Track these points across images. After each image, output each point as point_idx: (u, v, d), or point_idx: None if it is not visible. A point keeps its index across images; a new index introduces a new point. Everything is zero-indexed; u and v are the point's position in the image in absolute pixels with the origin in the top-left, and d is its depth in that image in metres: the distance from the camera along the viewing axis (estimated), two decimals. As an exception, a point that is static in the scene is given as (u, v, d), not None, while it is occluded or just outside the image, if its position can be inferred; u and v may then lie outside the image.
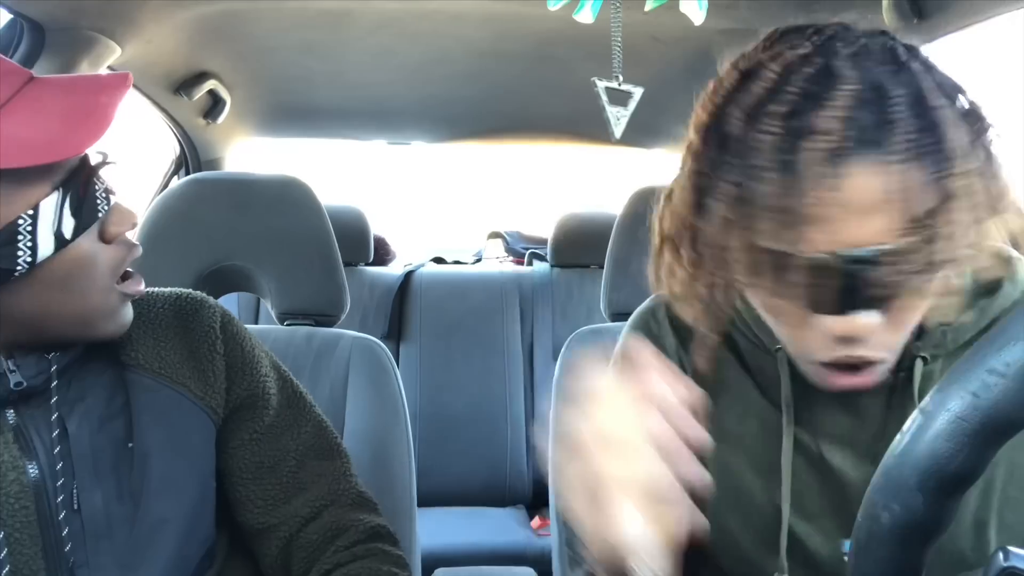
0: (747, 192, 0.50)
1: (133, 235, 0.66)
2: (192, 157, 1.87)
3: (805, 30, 0.55)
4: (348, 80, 1.64)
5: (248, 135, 1.97)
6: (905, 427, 0.37)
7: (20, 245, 0.56)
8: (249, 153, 2.07)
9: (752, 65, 0.54)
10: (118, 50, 1.19)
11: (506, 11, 1.26)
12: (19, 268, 0.56)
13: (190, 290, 0.77)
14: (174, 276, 1.04)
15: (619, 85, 0.81)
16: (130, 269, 0.66)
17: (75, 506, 0.62)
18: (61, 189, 0.58)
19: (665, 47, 1.42)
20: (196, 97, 1.53)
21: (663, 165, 2.30)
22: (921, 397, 0.63)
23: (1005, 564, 0.34)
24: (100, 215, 0.61)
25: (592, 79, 0.81)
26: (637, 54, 1.46)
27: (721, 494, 0.66)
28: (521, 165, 3.24)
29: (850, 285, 0.49)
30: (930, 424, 0.36)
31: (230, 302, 1.99)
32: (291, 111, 1.87)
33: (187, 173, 1.86)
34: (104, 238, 0.62)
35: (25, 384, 0.62)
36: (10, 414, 0.62)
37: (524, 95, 1.78)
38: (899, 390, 0.62)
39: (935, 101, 0.50)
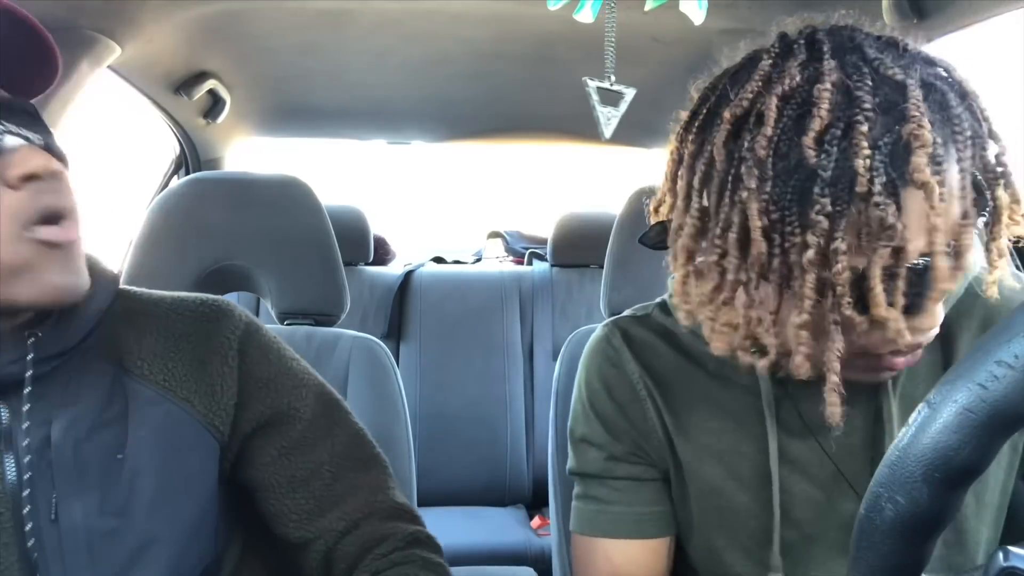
0: (851, 218, 0.48)
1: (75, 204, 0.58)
2: (192, 157, 1.87)
3: (814, 43, 0.54)
4: (348, 80, 1.64)
5: (248, 135, 1.97)
6: (911, 419, 0.37)
7: None
8: (249, 153, 2.07)
9: (792, 91, 0.51)
10: (118, 50, 1.19)
11: (506, 11, 1.26)
12: None
13: (217, 297, 0.73)
14: (174, 276, 1.04)
15: (611, 85, 0.82)
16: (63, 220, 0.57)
17: (52, 516, 0.57)
18: None
19: (665, 47, 1.42)
20: (196, 97, 1.52)
21: (663, 165, 2.29)
22: (897, 388, 0.64)
23: (1005, 564, 0.34)
24: None
25: (584, 78, 0.81)
26: (636, 54, 1.46)
27: (707, 515, 0.68)
28: (521, 165, 3.23)
29: (931, 281, 0.50)
30: (936, 416, 0.36)
31: (230, 302, 1.98)
32: (291, 111, 1.87)
33: (187, 173, 1.85)
34: (6, 181, 0.54)
35: None
36: (2, 411, 0.58)
37: (524, 95, 1.78)
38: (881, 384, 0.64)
39: (972, 89, 0.53)
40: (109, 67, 1.21)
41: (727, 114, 0.54)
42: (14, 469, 0.57)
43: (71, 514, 0.58)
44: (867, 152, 0.47)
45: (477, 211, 3.03)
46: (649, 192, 0.72)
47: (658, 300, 0.77)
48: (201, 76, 1.51)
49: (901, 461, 0.37)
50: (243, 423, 0.69)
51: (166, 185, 1.87)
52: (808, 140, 0.49)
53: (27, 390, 0.57)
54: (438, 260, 2.39)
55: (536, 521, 1.84)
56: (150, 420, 0.63)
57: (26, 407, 0.57)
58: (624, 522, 0.70)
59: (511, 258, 2.67)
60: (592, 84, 0.81)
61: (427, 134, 2.16)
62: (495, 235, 2.81)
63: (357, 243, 2.01)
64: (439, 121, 2.02)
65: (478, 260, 2.60)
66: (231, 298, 1.06)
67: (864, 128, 0.48)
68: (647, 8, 0.76)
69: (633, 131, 2.07)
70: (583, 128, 2.01)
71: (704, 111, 0.59)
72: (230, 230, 1.08)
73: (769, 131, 0.50)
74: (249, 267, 1.08)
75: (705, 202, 0.56)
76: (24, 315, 0.58)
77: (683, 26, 0.84)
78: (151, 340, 0.66)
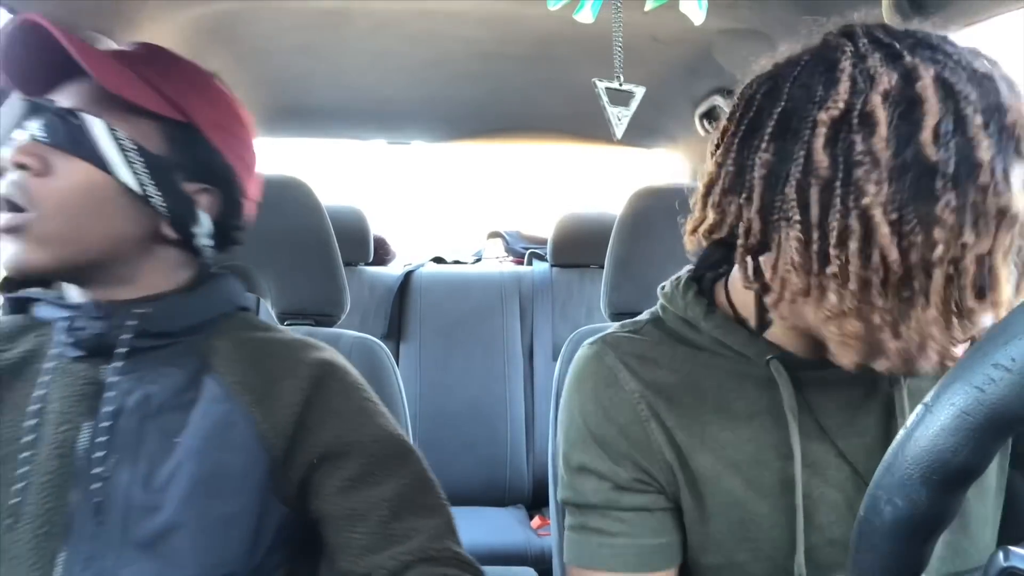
0: (975, 209, 0.49)
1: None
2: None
3: (879, 42, 0.57)
4: (348, 80, 1.64)
5: (248, 135, 1.97)
6: (909, 422, 0.37)
7: None
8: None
9: (892, 90, 0.51)
10: (118, 50, 1.19)
11: (506, 11, 1.26)
12: None
13: (308, 339, 0.77)
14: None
15: (620, 85, 0.81)
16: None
17: (104, 475, 0.63)
18: None
19: (665, 47, 1.42)
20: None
21: (663, 165, 2.30)
22: (906, 384, 0.64)
23: (1005, 564, 0.34)
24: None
25: (592, 80, 0.81)
26: (637, 54, 1.46)
27: (729, 529, 0.64)
28: (521, 165, 3.23)
29: None
30: (934, 419, 0.36)
31: (230, 302, 1.98)
32: (291, 111, 1.87)
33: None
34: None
35: (105, 332, 0.66)
36: (105, 369, 0.66)
37: (524, 95, 1.78)
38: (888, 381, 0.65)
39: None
40: (109, 67, 1.21)
41: (824, 116, 0.52)
42: (90, 428, 0.64)
43: (118, 479, 0.63)
44: (987, 143, 0.48)
45: (477, 211, 3.03)
46: (649, 192, 0.72)
47: (648, 313, 0.74)
48: (201, 76, 1.51)
49: (899, 463, 0.37)
50: (308, 448, 0.70)
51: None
52: (926, 136, 0.49)
53: (123, 350, 0.66)
54: (438, 260, 2.39)
55: (536, 521, 1.84)
56: (210, 415, 0.67)
57: (117, 372, 0.66)
58: (630, 555, 0.66)
59: (511, 258, 2.67)
60: (601, 85, 0.81)
61: (427, 134, 2.16)
62: (495, 235, 2.81)
63: (357, 243, 2.01)
64: (439, 121, 2.02)
65: (478, 260, 2.60)
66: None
67: (978, 120, 0.49)
68: (647, 8, 0.76)
69: (633, 131, 2.07)
70: (583, 128, 2.02)
71: (746, 122, 0.58)
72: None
73: (884, 131, 0.50)
74: (249, 267, 1.08)
75: (808, 214, 0.53)
76: (131, 291, 0.70)
77: (683, 26, 0.84)
78: (242, 351, 0.72)
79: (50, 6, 1.07)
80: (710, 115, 1.78)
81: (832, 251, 0.52)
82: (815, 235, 0.52)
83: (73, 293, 0.70)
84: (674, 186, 1.33)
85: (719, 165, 0.60)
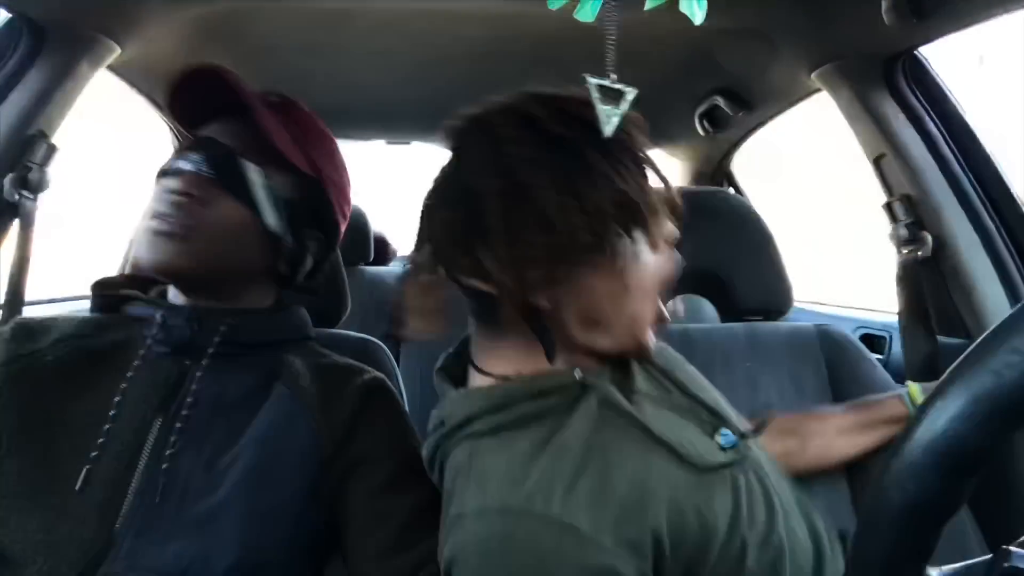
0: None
1: None
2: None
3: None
4: (348, 80, 1.64)
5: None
6: (923, 406, 0.37)
7: None
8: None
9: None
10: (118, 50, 1.19)
11: (506, 11, 1.26)
12: None
13: (361, 365, 0.87)
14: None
15: (611, 83, 0.81)
16: None
17: (171, 453, 0.69)
18: None
19: (665, 47, 1.42)
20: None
21: (662, 165, 2.30)
22: None
23: (1005, 564, 0.34)
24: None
25: (584, 76, 0.81)
26: (637, 54, 1.46)
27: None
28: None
29: None
30: (949, 404, 0.35)
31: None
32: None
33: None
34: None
35: (194, 333, 0.75)
36: (188, 364, 0.75)
37: (524, 95, 1.77)
38: None
39: None
40: (109, 67, 1.21)
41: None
42: (164, 415, 0.72)
43: (182, 461, 0.70)
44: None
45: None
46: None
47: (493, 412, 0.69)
48: (201, 76, 1.51)
49: (911, 448, 0.36)
50: (352, 453, 0.77)
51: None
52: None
53: (210, 351, 0.75)
54: (438, 260, 2.39)
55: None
56: (277, 410, 0.75)
57: (201, 370, 0.74)
58: None
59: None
60: (593, 82, 0.81)
61: (427, 134, 2.16)
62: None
63: (357, 243, 2.01)
64: (439, 121, 2.01)
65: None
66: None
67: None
68: (647, 8, 0.76)
69: (633, 131, 2.08)
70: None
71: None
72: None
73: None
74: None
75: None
76: (216, 298, 0.79)
77: (683, 26, 0.84)
78: (307, 367, 0.80)
79: (51, 6, 1.07)
80: (710, 115, 1.78)
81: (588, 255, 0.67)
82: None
83: (174, 296, 0.80)
84: None
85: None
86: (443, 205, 0.69)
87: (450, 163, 0.72)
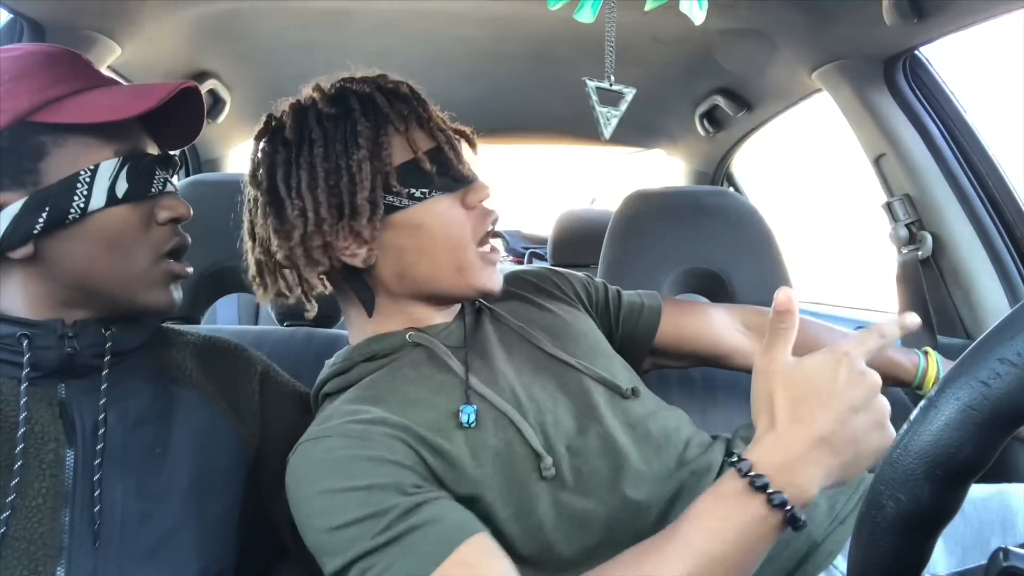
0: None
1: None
2: (192, 157, 1.87)
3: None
4: (348, 80, 1.64)
5: (248, 135, 1.97)
6: (912, 416, 0.37)
7: (77, 194, 0.65)
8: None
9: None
10: (118, 50, 1.19)
11: (506, 11, 1.26)
12: (72, 213, 0.65)
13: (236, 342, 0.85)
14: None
15: (610, 85, 0.82)
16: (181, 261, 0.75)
17: (95, 494, 0.64)
18: (122, 159, 0.68)
19: (665, 47, 1.42)
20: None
21: (663, 165, 2.30)
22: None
23: (1005, 564, 0.34)
24: (153, 191, 0.71)
25: (583, 78, 0.81)
26: (636, 54, 1.46)
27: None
28: (521, 165, 3.24)
29: None
30: (939, 413, 0.36)
31: (230, 303, 1.98)
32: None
33: (187, 173, 1.85)
34: (155, 219, 0.72)
35: (76, 351, 0.66)
36: (61, 388, 0.67)
37: (524, 95, 1.78)
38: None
39: None
40: (109, 67, 1.21)
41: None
42: (73, 453, 0.66)
43: (112, 494, 0.66)
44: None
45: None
46: (643, 195, 0.74)
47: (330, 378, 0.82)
48: (201, 76, 1.51)
49: (903, 458, 0.37)
50: (268, 444, 0.79)
51: (166, 185, 1.87)
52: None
53: (105, 372, 0.68)
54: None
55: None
56: (193, 420, 0.74)
57: (102, 400, 0.68)
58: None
59: (511, 258, 2.67)
60: (591, 84, 0.81)
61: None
62: (495, 235, 2.81)
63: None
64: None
65: (478, 260, 2.60)
66: (231, 299, 1.06)
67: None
68: (647, 8, 0.76)
69: (633, 131, 2.08)
70: (583, 128, 2.01)
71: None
72: (230, 232, 1.07)
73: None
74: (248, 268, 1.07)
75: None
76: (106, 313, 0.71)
77: (683, 26, 0.84)
78: (193, 360, 0.78)
79: (50, 6, 1.07)
80: (710, 115, 1.78)
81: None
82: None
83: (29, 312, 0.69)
84: (666, 189, 1.33)
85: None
86: (259, 206, 0.79)
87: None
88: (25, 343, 0.65)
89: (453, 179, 0.78)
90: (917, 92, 1.23)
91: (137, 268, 0.70)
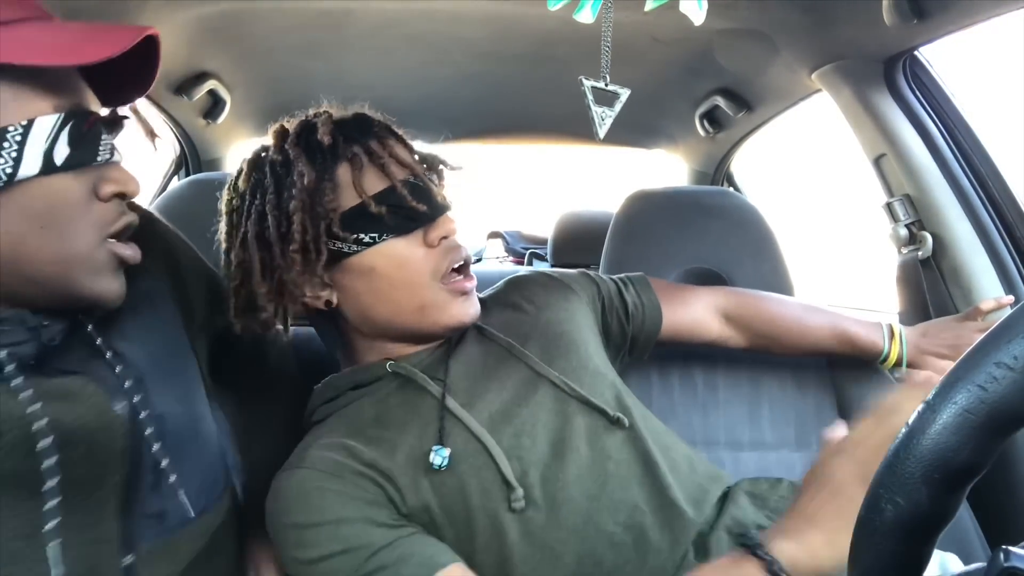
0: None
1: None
2: (192, 157, 1.87)
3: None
4: (348, 80, 1.64)
5: (248, 135, 1.97)
6: (910, 420, 0.37)
7: (3, 154, 0.52)
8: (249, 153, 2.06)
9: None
10: (118, 50, 1.19)
11: (506, 11, 1.26)
12: None
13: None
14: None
15: (606, 85, 0.82)
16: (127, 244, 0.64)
17: (158, 412, 0.65)
18: (63, 115, 0.55)
19: (665, 47, 1.42)
20: (196, 97, 1.52)
21: (663, 165, 2.30)
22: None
23: (1005, 564, 0.34)
24: (99, 160, 0.59)
25: (579, 78, 0.81)
26: (636, 54, 1.46)
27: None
28: (521, 165, 3.24)
29: None
30: (936, 417, 0.36)
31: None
32: (291, 111, 1.86)
33: (187, 174, 1.85)
34: (98, 193, 0.59)
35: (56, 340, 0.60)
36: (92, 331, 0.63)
37: (524, 95, 1.78)
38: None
39: None
40: (109, 67, 1.21)
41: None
42: (122, 385, 0.62)
43: (163, 406, 0.65)
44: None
45: (477, 211, 3.03)
46: (644, 195, 0.75)
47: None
48: (201, 76, 1.51)
49: (901, 462, 0.37)
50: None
51: (166, 186, 1.87)
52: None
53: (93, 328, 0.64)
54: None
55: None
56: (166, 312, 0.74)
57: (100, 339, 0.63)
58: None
59: (511, 258, 2.67)
60: (587, 84, 0.81)
61: (427, 134, 2.16)
62: (495, 235, 2.81)
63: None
64: (439, 121, 2.02)
65: (478, 260, 2.60)
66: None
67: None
68: (647, 8, 0.76)
69: (633, 131, 2.08)
70: (583, 128, 2.01)
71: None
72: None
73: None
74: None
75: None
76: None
77: (683, 26, 0.84)
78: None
79: (50, 6, 1.07)
80: (710, 115, 1.78)
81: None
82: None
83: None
84: (667, 189, 1.33)
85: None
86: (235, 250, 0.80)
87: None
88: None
89: (409, 219, 0.76)
90: (917, 92, 1.23)
91: (76, 250, 0.58)
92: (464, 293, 0.79)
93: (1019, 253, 1.16)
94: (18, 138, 0.53)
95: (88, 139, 0.58)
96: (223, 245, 0.81)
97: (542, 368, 0.80)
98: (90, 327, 0.63)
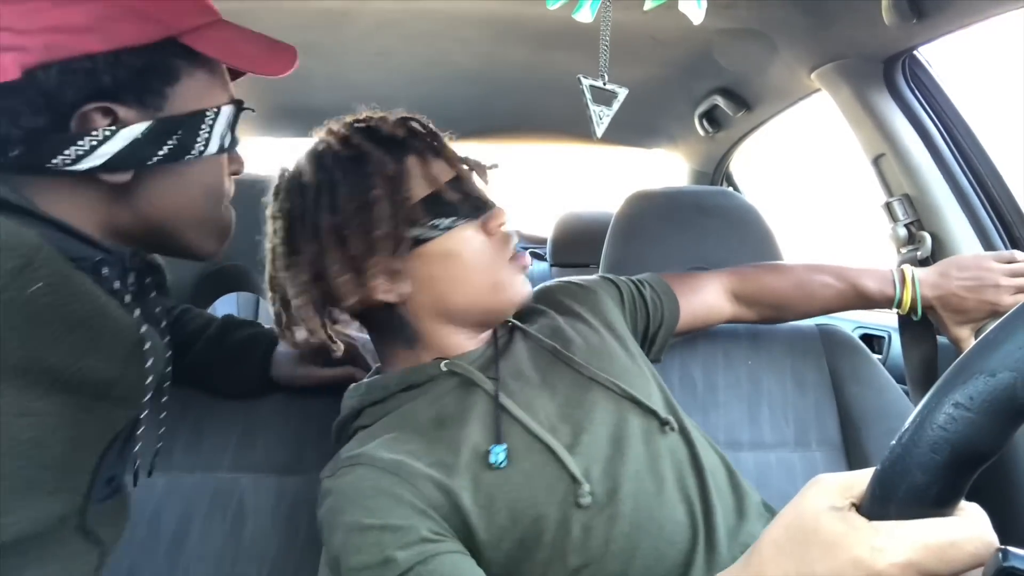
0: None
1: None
2: (192, 157, 1.86)
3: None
4: (348, 80, 1.64)
5: (248, 135, 1.97)
6: (883, 459, 0.39)
7: (200, 133, 0.62)
8: (249, 153, 2.07)
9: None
10: (118, 50, 1.19)
11: (505, 11, 1.26)
12: (192, 153, 0.62)
13: None
14: (174, 275, 1.04)
15: (604, 84, 0.82)
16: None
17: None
18: (233, 107, 0.66)
19: (664, 47, 1.42)
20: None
21: (663, 165, 2.30)
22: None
23: (1004, 564, 0.34)
24: (237, 143, 0.69)
25: (577, 76, 0.81)
26: (636, 54, 1.46)
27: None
28: (521, 165, 3.23)
29: None
30: (906, 455, 0.37)
31: (229, 301, 1.98)
32: (291, 111, 1.87)
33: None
34: (227, 170, 0.70)
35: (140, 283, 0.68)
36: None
37: (524, 95, 1.78)
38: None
39: None
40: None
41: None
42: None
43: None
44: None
45: (477, 211, 3.02)
46: (644, 195, 0.75)
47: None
48: (201, 76, 1.51)
49: (877, 499, 0.39)
50: None
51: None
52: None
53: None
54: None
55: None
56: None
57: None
58: None
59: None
60: (585, 82, 0.81)
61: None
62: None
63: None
64: (439, 121, 2.01)
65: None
66: (231, 298, 1.06)
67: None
68: (646, 8, 0.76)
69: (633, 131, 2.08)
70: (583, 128, 2.01)
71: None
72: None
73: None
74: (249, 267, 1.08)
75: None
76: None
77: (683, 26, 0.84)
78: None
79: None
80: (709, 115, 1.78)
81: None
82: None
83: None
84: (667, 189, 1.33)
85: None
86: (292, 240, 0.78)
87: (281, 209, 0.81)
88: (106, 270, 0.62)
89: (475, 206, 0.80)
90: (916, 92, 1.23)
91: (213, 216, 0.68)
92: (523, 268, 0.83)
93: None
94: (210, 122, 0.63)
95: (235, 127, 0.68)
96: (278, 249, 0.79)
97: (590, 371, 0.80)
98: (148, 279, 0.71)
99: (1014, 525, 1.00)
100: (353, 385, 0.84)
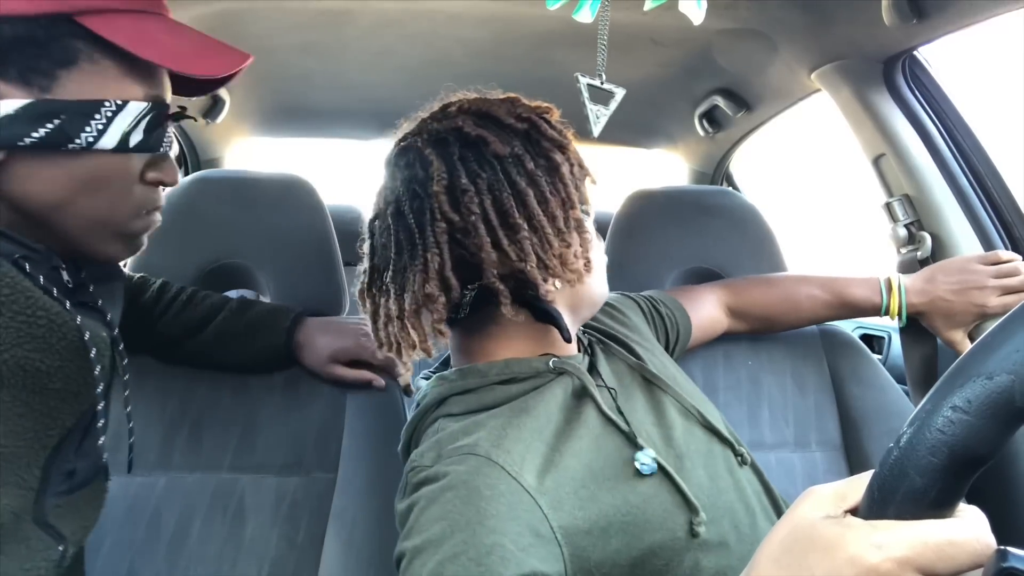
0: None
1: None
2: (191, 157, 1.87)
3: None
4: (348, 80, 1.64)
5: (247, 135, 1.97)
6: (882, 460, 0.39)
7: (92, 124, 0.57)
8: (248, 153, 2.07)
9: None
10: (118, 50, 1.19)
11: (505, 11, 1.26)
12: (76, 143, 0.57)
13: None
14: (176, 272, 1.04)
15: (601, 83, 0.82)
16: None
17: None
18: (150, 105, 0.61)
19: (664, 47, 1.42)
20: (195, 97, 1.52)
21: (663, 165, 2.30)
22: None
23: (1004, 564, 0.34)
24: (160, 150, 0.64)
25: (575, 75, 0.81)
26: (635, 54, 1.46)
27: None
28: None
29: None
30: (905, 459, 0.37)
31: (230, 302, 1.98)
32: (291, 111, 1.87)
33: (186, 173, 1.85)
34: (144, 176, 0.65)
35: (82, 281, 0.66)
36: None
37: (523, 95, 1.77)
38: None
39: None
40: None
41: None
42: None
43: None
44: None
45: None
46: (645, 195, 0.74)
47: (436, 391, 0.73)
48: (201, 76, 1.50)
49: (876, 502, 0.38)
50: None
51: (166, 185, 1.87)
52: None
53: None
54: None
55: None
56: None
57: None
58: None
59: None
60: (583, 81, 0.81)
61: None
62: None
63: (357, 243, 2.01)
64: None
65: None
66: (231, 295, 1.06)
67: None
68: (646, 8, 0.76)
69: (632, 131, 2.08)
70: (582, 128, 2.01)
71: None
72: (232, 228, 1.08)
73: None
74: (250, 265, 1.08)
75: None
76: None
77: (682, 26, 0.84)
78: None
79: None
80: (709, 115, 1.78)
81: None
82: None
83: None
84: (667, 189, 1.34)
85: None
86: (432, 213, 0.69)
87: (422, 173, 0.71)
88: (28, 265, 0.59)
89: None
90: (916, 92, 1.23)
91: (110, 220, 0.63)
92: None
93: (1018, 253, 1.16)
94: (109, 114, 0.58)
95: (159, 130, 0.63)
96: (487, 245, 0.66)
97: (674, 391, 0.75)
98: (83, 273, 0.67)
99: (1014, 525, 1.00)
100: (438, 375, 0.75)
